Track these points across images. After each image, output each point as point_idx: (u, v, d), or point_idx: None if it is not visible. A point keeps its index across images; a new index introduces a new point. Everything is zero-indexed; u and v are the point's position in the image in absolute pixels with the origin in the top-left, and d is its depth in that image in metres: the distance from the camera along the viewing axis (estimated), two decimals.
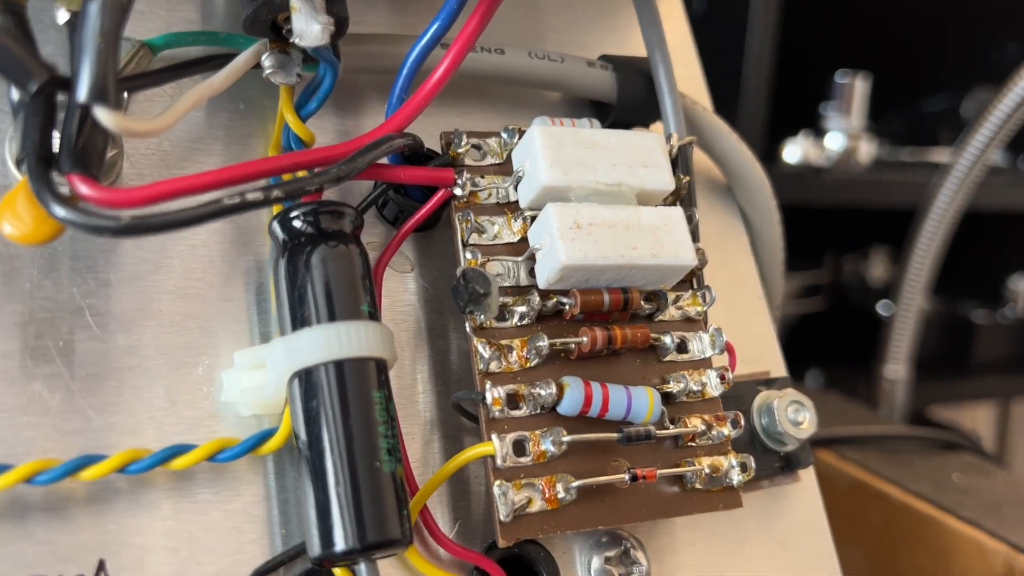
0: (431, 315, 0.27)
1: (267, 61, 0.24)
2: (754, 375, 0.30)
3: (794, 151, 0.79)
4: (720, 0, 0.80)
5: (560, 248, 0.24)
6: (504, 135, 0.27)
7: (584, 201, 0.25)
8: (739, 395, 0.29)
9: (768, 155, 0.79)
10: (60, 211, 0.20)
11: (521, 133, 0.27)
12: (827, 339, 0.90)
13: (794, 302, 0.87)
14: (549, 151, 0.25)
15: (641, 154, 0.26)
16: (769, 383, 0.30)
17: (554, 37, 0.32)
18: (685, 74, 0.35)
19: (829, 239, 0.92)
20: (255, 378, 0.23)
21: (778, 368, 0.31)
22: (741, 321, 0.32)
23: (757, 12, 0.75)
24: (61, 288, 0.23)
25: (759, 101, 0.76)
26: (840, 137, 0.82)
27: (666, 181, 0.26)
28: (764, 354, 0.31)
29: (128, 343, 0.24)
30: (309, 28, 0.23)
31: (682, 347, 0.27)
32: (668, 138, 0.29)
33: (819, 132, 0.83)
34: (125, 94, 0.24)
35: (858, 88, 0.83)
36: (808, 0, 0.81)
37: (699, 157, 0.33)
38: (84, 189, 0.20)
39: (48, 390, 0.22)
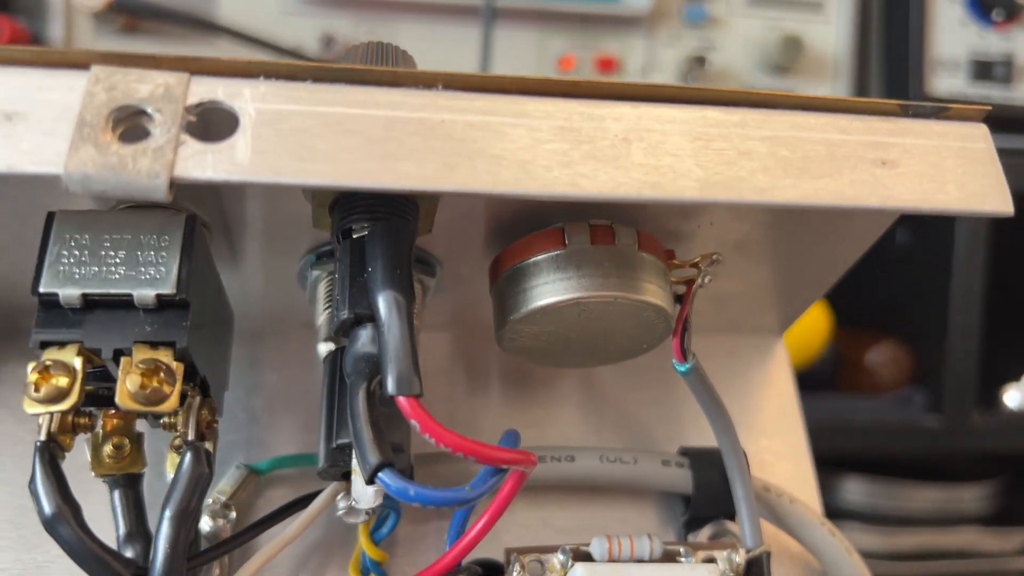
0: None
1: (341, 503, 0.28)
2: None
3: (1015, 396, 0.72)
4: (925, 231, 0.77)
5: None
6: (561, 555, 0.28)
7: None
8: None
9: (987, 400, 0.73)
10: None
11: (576, 554, 0.28)
12: None
13: None
14: None
15: None
16: None
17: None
18: (785, 443, 0.34)
19: None
20: None
21: None
22: None
23: (962, 243, 0.71)
24: None
25: (969, 340, 0.70)
26: None
27: None
28: None
29: None
30: (364, 492, 0.26)
31: None
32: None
33: None
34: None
35: None
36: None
37: (793, 545, 0.32)
38: None
39: None
